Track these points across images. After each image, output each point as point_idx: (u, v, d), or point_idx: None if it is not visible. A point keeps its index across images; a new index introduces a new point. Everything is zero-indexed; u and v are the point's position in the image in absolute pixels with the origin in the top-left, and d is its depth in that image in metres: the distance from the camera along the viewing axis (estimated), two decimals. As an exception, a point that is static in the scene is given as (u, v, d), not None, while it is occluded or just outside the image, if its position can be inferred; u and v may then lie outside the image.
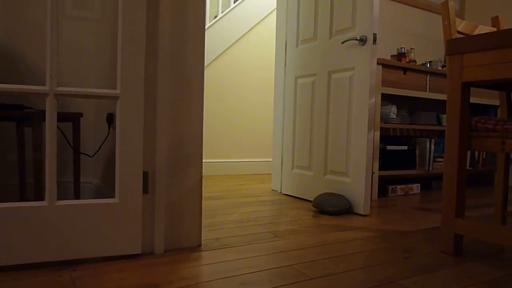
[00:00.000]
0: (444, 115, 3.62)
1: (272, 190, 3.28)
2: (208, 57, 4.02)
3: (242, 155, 4.28)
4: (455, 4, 4.33)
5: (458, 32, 1.79)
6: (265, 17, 4.35)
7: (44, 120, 1.39)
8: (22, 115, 1.79)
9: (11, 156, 2.16)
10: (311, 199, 2.80)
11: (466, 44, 1.60)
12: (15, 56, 2.20)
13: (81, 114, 1.97)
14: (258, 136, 4.39)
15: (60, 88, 1.38)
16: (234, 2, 4.23)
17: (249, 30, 4.27)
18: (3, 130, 2.17)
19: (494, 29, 2.03)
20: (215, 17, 4.25)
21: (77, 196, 2.00)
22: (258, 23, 4.32)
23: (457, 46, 1.64)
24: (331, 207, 2.40)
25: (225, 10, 4.19)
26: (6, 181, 2.17)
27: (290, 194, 3.07)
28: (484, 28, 1.94)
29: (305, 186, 2.90)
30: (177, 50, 1.60)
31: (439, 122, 3.70)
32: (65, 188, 2.19)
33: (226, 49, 4.15)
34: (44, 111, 1.38)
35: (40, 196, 1.70)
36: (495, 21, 2.07)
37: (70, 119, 1.94)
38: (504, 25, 2.06)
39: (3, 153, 2.17)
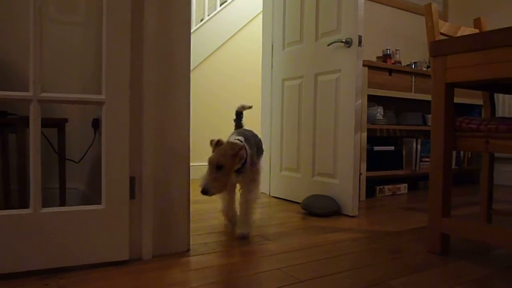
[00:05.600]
0: (430, 115, 3.67)
1: (261, 192, 3.28)
2: (194, 60, 4.01)
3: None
4: (438, 6, 4.39)
5: (442, 33, 1.82)
6: (250, 20, 4.35)
7: (28, 126, 1.37)
8: (6, 121, 1.76)
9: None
10: (300, 201, 2.80)
11: (450, 45, 1.63)
12: (0, 62, 2.17)
13: (66, 120, 1.94)
14: (246, 139, 4.38)
15: (44, 94, 1.36)
16: (220, 5, 4.22)
17: (235, 33, 4.26)
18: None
19: (477, 30, 2.06)
20: (201, 20, 4.24)
21: (62, 203, 1.97)
22: (244, 26, 4.32)
23: (441, 47, 1.66)
24: (319, 209, 2.41)
25: (211, 13, 4.18)
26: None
27: (278, 196, 3.07)
28: (467, 30, 1.97)
29: (293, 188, 2.91)
30: (162, 55, 1.59)
31: (424, 122, 3.74)
32: (50, 195, 2.15)
33: (212, 53, 4.14)
34: (28, 117, 1.36)
35: (24, 204, 1.68)
36: (477, 22, 2.10)
37: (55, 124, 1.91)
38: (487, 27, 2.09)
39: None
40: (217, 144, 1.74)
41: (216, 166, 1.64)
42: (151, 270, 1.44)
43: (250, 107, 2.18)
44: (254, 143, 1.95)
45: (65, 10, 2.33)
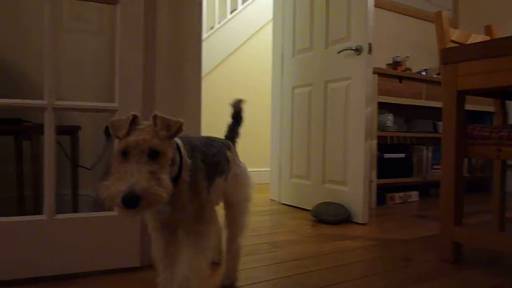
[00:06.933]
0: (441, 123, 3.65)
1: (271, 199, 3.28)
2: (203, 68, 4.04)
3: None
4: (449, 13, 4.38)
5: (452, 41, 1.81)
6: (260, 28, 4.38)
7: (42, 134, 1.40)
8: (21, 129, 1.79)
9: (9, 169, 2.15)
10: (310, 209, 2.79)
11: (461, 53, 1.62)
12: (13, 70, 2.21)
13: (79, 127, 1.97)
14: (255, 146, 4.40)
15: (58, 102, 1.39)
16: (231, 13, 4.26)
17: (245, 41, 4.29)
18: (1, 143, 2.16)
19: (488, 37, 2.06)
20: (212, 28, 4.28)
21: (75, 209, 1.99)
22: (254, 34, 4.35)
23: (452, 55, 1.66)
24: (330, 216, 2.40)
25: (221, 21, 4.22)
26: (4, 194, 2.17)
27: (288, 203, 3.06)
28: (478, 37, 1.97)
29: (303, 196, 2.90)
30: (174, 63, 1.61)
31: (435, 130, 3.72)
32: (63, 201, 2.18)
33: (222, 61, 4.17)
34: (42, 125, 1.38)
35: (38, 210, 1.70)
36: (488, 29, 2.09)
37: (68, 132, 1.94)
38: (497, 34, 2.08)
39: (1, 166, 2.17)
40: (134, 123, 0.95)
41: (148, 151, 0.90)
42: (162, 276, 1.45)
43: (242, 101, 1.47)
44: (206, 157, 1.16)
45: (78, 20, 2.37)
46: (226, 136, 1.46)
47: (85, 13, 2.39)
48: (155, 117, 0.95)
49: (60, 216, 1.41)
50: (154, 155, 0.90)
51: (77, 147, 1.97)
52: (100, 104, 1.48)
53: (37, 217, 1.38)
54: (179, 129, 0.97)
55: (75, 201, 1.99)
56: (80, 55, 2.37)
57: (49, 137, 1.38)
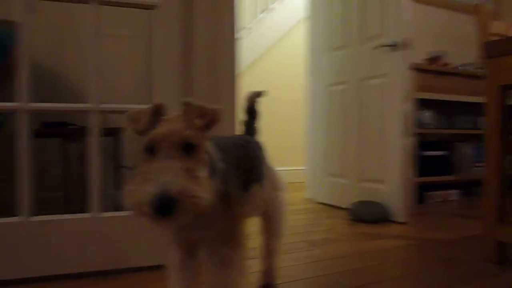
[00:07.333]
0: (482, 118, 3.52)
1: (307, 198, 3.28)
2: (238, 68, 4.08)
3: (275, 164, 4.29)
4: (490, 4, 4.21)
5: (494, 34, 1.75)
6: (293, 27, 4.37)
7: (88, 136, 1.47)
8: (68, 131, 1.89)
9: (55, 170, 2.26)
10: (345, 207, 2.77)
11: (503, 46, 1.57)
12: (51, 74, 2.32)
13: (121, 129, 2.05)
14: (290, 145, 4.40)
15: (103, 105, 1.46)
16: (262, 13, 4.28)
17: (278, 40, 4.30)
18: (46, 145, 2.28)
19: (532, 29, 1.97)
20: (244, 28, 4.31)
21: (118, 208, 2.07)
22: (286, 33, 4.35)
23: (493, 48, 1.60)
24: (367, 215, 2.38)
25: (253, 21, 4.25)
26: (50, 194, 2.28)
27: (325, 202, 3.05)
28: (522, 29, 1.89)
29: (339, 194, 2.88)
30: (210, 64, 1.65)
31: (476, 126, 3.59)
32: (106, 200, 2.27)
33: (256, 60, 4.20)
34: (87, 127, 1.45)
35: (84, 208, 1.79)
36: (533, 21, 2.01)
37: (111, 133, 2.02)
38: (543, 25, 1.99)
39: (49, 167, 2.28)
40: (157, 112, 0.82)
41: (180, 144, 0.74)
42: (201, 273, 1.49)
43: (259, 94, 1.31)
44: (240, 162, 1.02)
45: (118, 25, 2.46)
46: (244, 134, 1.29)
47: (120, 17, 2.47)
48: (186, 104, 0.80)
49: (105, 214, 1.47)
50: (188, 149, 0.74)
51: (120, 147, 2.05)
52: (143, 107, 1.54)
53: (84, 215, 1.46)
54: (216, 118, 0.82)
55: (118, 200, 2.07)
56: (118, 58, 2.46)
57: (94, 139, 1.45)
